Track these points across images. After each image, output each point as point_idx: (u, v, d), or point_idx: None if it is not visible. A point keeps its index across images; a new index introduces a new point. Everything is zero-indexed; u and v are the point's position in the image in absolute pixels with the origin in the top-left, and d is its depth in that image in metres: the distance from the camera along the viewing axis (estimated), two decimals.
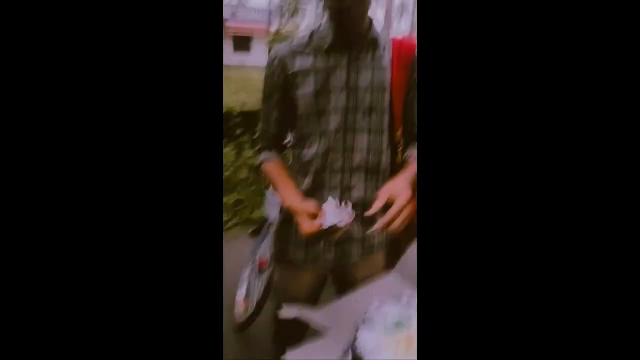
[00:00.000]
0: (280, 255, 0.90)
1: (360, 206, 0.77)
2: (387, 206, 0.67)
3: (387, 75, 0.76)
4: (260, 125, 0.89)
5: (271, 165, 0.87)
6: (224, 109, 2.82)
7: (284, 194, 0.81)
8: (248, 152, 2.91)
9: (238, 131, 2.94)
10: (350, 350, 0.59)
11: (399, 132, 0.82)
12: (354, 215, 0.72)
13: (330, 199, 0.71)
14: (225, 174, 2.72)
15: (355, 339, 0.60)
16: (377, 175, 0.80)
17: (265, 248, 1.55)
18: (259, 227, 1.62)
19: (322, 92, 0.75)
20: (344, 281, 0.89)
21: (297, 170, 0.84)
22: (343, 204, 0.69)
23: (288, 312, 0.70)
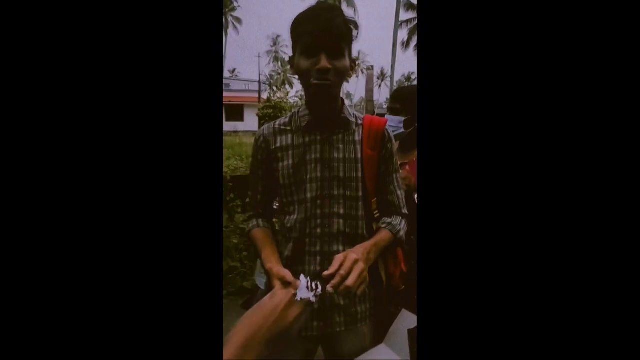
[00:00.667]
0: None
1: None
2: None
3: (359, 150, 0.85)
4: (249, 194, 0.96)
5: (258, 231, 0.91)
6: None
7: (265, 258, 0.82)
8: (240, 217, 2.88)
9: (230, 197, 2.94)
10: None
11: (373, 201, 0.89)
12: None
13: (302, 277, 0.70)
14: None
15: None
16: (356, 242, 0.84)
17: None
18: (250, 298, 1.55)
19: (299, 164, 0.84)
20: (332, 353, 0.91)
21: (282, 237, 0.89)
22: (314, 285, 0.67)
23: None
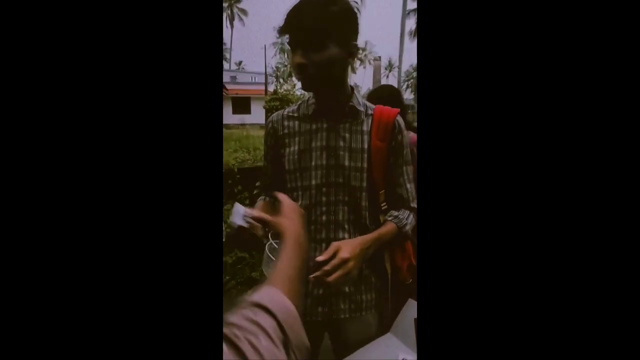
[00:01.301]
0: None
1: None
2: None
3: (366, 140, 0.85)
4: (261, 178, 1.00)
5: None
6: (224, 168, 2.87)
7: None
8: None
9: (237, 188, 2.96)
10: None
11: (381, 193, 0.88)
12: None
13: (236, 204, 0.71)
14: (227, 231, 2.68)
15: None
16: (361, 231, 0.85)
17: None
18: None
19: (305, 151, 0.85)
20: (338, 341, 0.93)
21: None
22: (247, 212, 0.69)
23: None
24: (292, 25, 0.74)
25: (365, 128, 0.85)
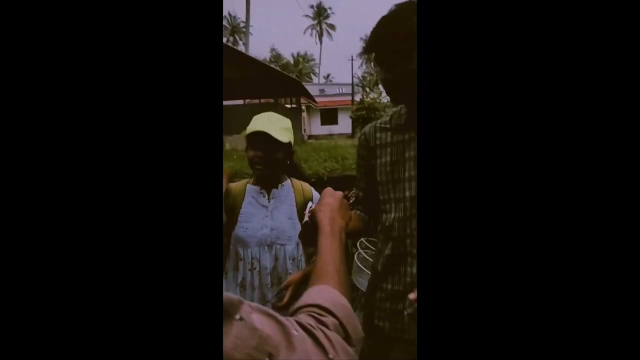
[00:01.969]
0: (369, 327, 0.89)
1: None
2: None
3: None
4: (354, 191, 0.99)
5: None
6: (314, 177, 2.97)
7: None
8: None
9: None
10: None
11: None
12: None
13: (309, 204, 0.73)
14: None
15: None
16: None
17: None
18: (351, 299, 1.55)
19: (397, 162, 0.83)
20: None
21: (382, 234, 0.88)
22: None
23: None
24: (376, 44, 0.74)
25: None
